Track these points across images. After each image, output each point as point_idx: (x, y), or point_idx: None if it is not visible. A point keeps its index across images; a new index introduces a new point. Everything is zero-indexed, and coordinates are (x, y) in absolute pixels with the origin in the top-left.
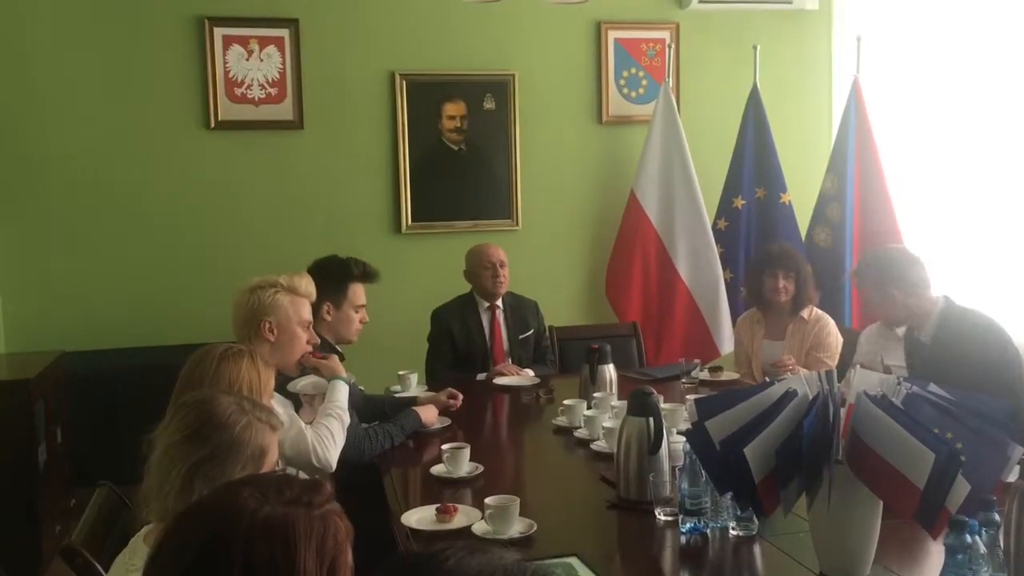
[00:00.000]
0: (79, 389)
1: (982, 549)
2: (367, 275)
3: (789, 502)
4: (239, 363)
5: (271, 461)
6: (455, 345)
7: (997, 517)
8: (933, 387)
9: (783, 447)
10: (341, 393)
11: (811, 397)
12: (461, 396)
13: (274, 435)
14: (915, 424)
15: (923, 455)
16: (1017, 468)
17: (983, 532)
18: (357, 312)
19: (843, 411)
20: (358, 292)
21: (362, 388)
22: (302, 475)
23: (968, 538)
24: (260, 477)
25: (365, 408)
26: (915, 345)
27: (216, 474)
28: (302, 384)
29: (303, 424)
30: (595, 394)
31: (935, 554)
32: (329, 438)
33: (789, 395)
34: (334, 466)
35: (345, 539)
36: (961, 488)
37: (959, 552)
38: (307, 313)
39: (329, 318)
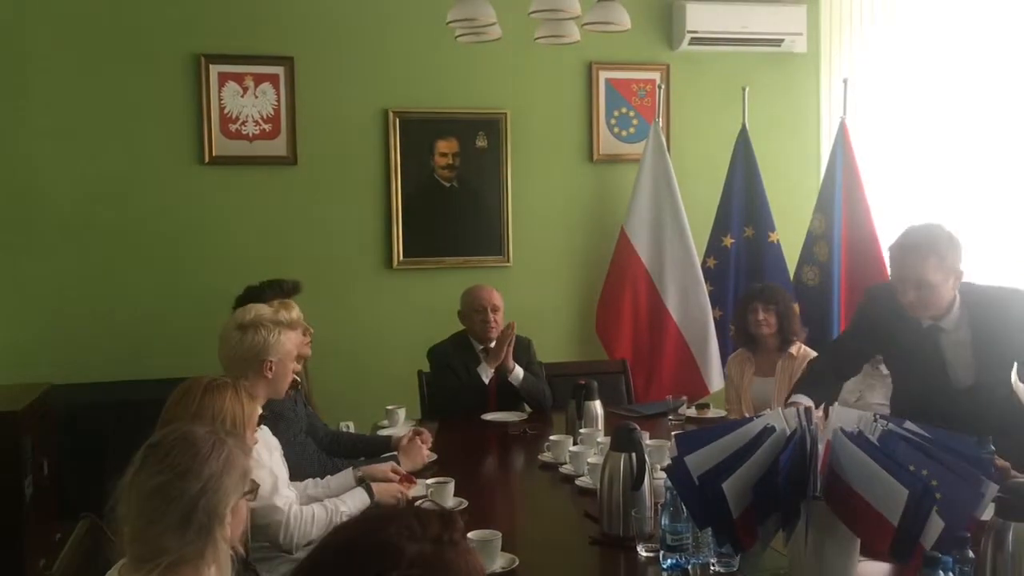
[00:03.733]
0: (67, 422)
1: None
2: (283, 291)
3: (767, 538)
4: (223, 396)
5: (248, 479)
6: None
7: (971, 554)
8: (909, 424)
9: (760, 483)
10: (356, 501)
11: (788, 433)
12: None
13: (248, 456)
14: (890, 461)
15: (897, 491)
16: (992, 506)
17: (958, 569)
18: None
19: (821, 447)
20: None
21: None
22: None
23: (941, 574)
24: (398, 513)
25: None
26: (938, 333)
27: (214, 503)
28: None
29: (289, 498)
30: (581, 430)
31: None
32: (310, 523)
33: (767, 431)
34: (294, 552)
35: (478, 567)
36: (935, 525)
37: None
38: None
39: None
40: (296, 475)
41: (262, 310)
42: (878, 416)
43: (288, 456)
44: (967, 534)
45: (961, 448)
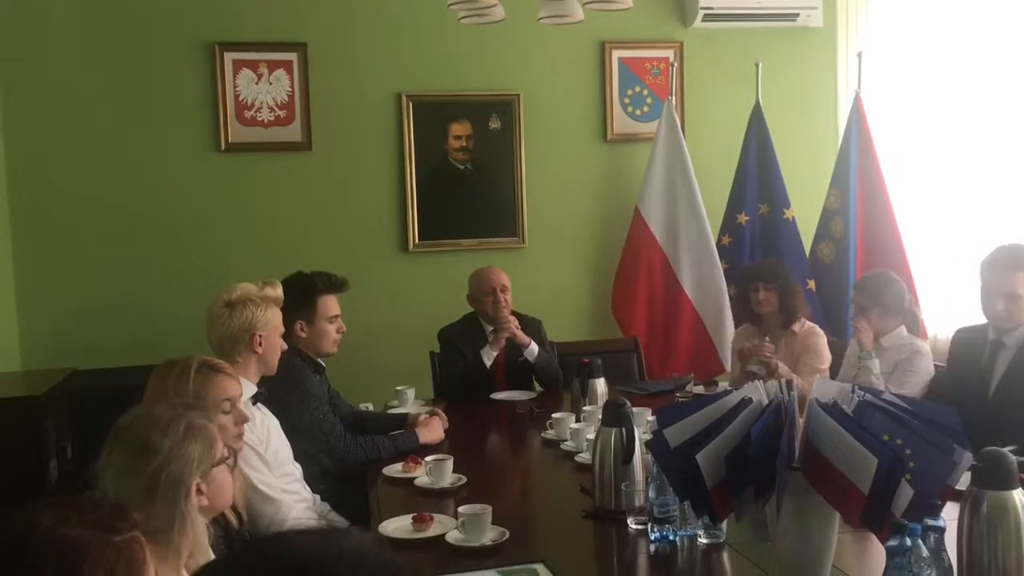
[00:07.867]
0: (91, 406)
1: (925, 552)
2: (333, 286)
3: (743, 508)
4: (199, 375)
5: (221, 450)
6: (464, 363)
7: (942, 522)
8: (887, 395)
9: (733, 454)
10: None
11: (764, 405)
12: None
13: (214, 426)
14: (861, 430)
15: (867, 460)
16: (968, 475)
17: (928, 536)
18: (331, 323)
19: (801, 419)
20: (328, 304)
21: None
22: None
23: (908, 541)
24: (70, 498)
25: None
26: (997, 348)
27: (176, 476)
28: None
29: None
30: (584, 408)
31: None
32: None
33: (744, 403)
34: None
35: (141, 568)
36: (905, 493)
37: (898, 555)
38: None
39: (304, 335)
40: (325, 451)
41: (248, 287)
42: (855, 387)
43: (316, 433)
44: (938, 502)
45: (936, 418)
